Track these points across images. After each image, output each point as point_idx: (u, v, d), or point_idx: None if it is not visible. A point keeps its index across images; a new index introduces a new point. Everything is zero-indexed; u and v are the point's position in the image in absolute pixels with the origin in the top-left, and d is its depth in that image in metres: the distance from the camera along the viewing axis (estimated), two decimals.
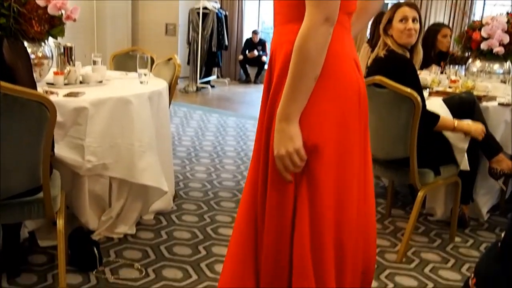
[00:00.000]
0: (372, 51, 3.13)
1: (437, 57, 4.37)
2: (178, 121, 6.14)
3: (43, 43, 2.83)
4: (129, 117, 2.65)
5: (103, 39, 9.31)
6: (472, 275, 1.74)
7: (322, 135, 1.43)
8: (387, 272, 2.62)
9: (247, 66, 10.65)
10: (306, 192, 1.45)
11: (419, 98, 2.54)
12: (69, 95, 2.55)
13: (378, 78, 2.61)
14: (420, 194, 2.72)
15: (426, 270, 2.67)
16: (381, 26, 2.83)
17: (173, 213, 3.22)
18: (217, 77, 10.50)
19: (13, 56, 1.99)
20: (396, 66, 2.71)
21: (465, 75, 4.13)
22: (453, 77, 3.72)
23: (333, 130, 1.45)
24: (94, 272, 2.44)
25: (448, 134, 2.80)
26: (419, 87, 2.66)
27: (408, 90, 2.54)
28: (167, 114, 3.15)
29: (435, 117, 2.71)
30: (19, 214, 2.02)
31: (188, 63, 9.32)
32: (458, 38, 4.09)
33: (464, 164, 2.83)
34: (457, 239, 3.06)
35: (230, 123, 6.25)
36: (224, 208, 3.38)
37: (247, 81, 10.70)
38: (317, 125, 1.43)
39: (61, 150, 2.47)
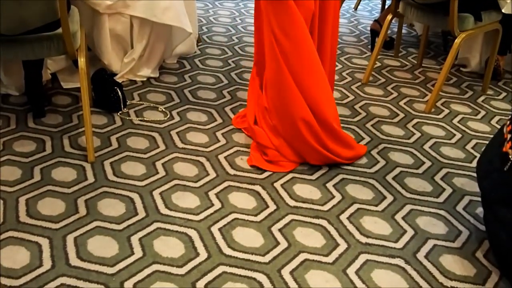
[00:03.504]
0: None
1: None
2: None
3: None
4: None
5: None
6: (508, 122, 1.69)
7: None
8: (414, 121, 2.56)
9: None
10: None
11: None
12: None
13: None
14: (457, 41, 2.56)
15: (455, 120, 2.61)
16: None
17: (197, 58, 3.13)
18: None
19: None
20: None
21: None
22: None
23: None
24: (118, 114, 2.44)
25: None
26: None
27: None
28: None
29: None
30: (39, 50, 1.95)
31: None
32: None
33: (508, 7, 2.62)
34: (489, 91, 2.96)
35: None
36: (248, 53, 3.27)
37: None
38: None
39: None
